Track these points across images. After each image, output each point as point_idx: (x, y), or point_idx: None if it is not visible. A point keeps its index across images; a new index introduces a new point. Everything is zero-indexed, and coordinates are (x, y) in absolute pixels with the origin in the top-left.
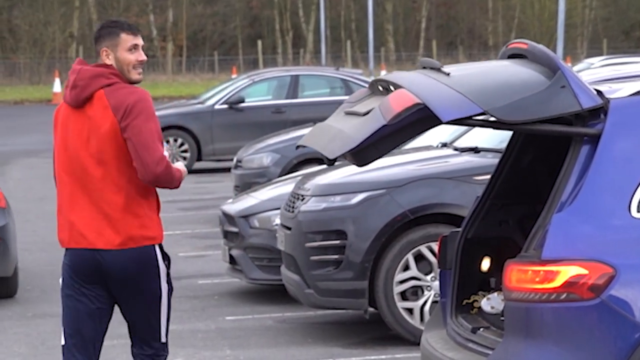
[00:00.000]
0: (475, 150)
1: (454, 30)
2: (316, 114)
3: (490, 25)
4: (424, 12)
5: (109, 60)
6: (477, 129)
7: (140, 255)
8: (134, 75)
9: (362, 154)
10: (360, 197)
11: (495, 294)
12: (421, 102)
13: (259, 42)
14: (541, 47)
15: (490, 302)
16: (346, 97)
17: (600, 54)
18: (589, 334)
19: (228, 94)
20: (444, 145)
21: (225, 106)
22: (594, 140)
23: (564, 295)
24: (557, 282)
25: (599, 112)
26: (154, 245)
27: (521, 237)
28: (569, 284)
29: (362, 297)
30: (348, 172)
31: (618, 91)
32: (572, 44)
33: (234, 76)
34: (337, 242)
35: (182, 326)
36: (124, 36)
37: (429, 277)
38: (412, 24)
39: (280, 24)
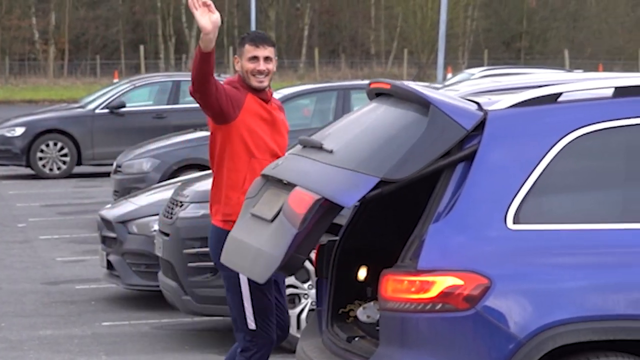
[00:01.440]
0: None
1: (336, 38)
2: (197, 120)
3: (372, 34)
4: (306, 19)
5: (238, 67)
6: None
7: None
8: (254, 82)
9: (289, 264)
10: None
11: (372, 303)
12: (320, 196)
13: (142, 47)
14: (404, 85)
15: (366, 312)
16: None
17: (482, 65)
18: (464, 344)
19: (109, 98)
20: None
21: (106, 111)
22: (452, 139)
23: (439, 306)
24: (433, 293)
25: (478, 125)
26: None
27: (399, 247)
28: (444, 295)
29: None
30: None
31: (496, 103)
32: (454, 54)
33: (115, 81)
34: None
35: (58, 331)
36: (247, 47)
37: (306, 285)
38: (295, 32)
39: (163, 29)
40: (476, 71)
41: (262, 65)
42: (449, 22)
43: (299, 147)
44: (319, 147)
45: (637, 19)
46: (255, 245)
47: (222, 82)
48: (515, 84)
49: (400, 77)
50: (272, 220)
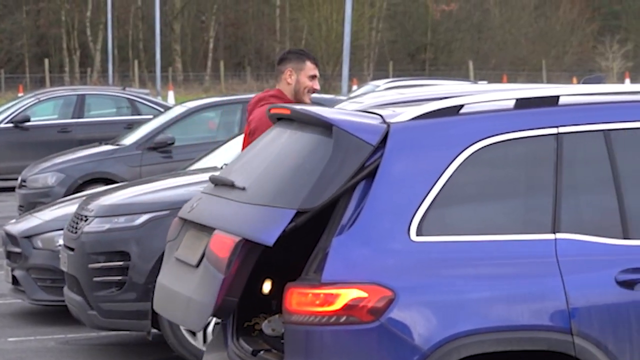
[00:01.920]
0: None
1: (242, 51)
2: (102, 134)
3: (278, 46)
4: (212, 32)
5: (290, 80)
6: None
7: None
8: (306, 99)
9: (222, 308)
10: (144, 218)
11: (277, 316)
12: (240, 238)
13: (46, 61)
14: (304, 109)
15: (271, 325)
16: (133, 117)
17: (387, 76)
18: (369, 357)
19: (13, 112)
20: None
21: (10, 125)
22: (361, 157)
23: (343, 318)
24: (337, 305)
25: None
26: None
27: (302, 260)
28: (348, 307)
29: (145, 319)
30: (132, 193)
31: (399, 115)
32: (359, 65)
33: (20, 95)
34: (121, 263)
35: None
36: (309, 64)
37: None
38: (200, 44)
39: (68, 42)
40: (381, 83)
41: (317, 84)
42: (354, 34)
43: (211, 185)
44: (231, 185)
45: (541, 30)
46: (184, 294)
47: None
48: (418, 95)
49: None
50: (197, 265)
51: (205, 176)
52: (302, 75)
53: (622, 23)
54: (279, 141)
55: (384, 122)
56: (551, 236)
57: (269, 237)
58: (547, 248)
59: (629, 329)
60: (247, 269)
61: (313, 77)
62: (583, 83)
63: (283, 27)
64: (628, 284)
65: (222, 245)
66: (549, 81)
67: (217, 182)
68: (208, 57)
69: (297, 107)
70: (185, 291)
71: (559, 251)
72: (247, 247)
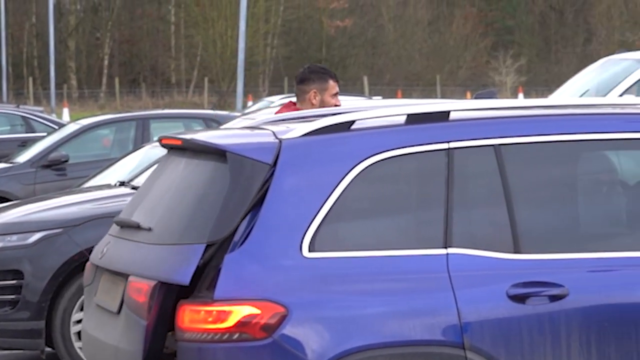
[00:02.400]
0: None
1: (137, 68)
2: None
3: (173, 62)
4: (106, 49)
5: (315, 101)
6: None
7: None
8: None
9: (151, 351)
10: (37, 236)
11: (170, 334)
12: (155, 281)
13: None
14: (195, 138)
15: (166, 342)
16: (27, 135)
17: (282, 92)
18: None
19: None
20: (122, 183)
21: None
22: (259, 177)
23: (236, 335)
24: (230, 322)
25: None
26: None
27: (195, 278)
28: (241, 324)
29: (39, 337)
30: (25, 211)
31: (290, 132)
32: (254, 81)
33: None
34: (14, 282)
35: None
36: (331, 83)
37: None
38: (95, 61)
39: None
40: (276, 99)
41: (339, 101)
42: (249, 50)
43: (116, 227)
44: (137, 227)
45: (435, 46)
46: (111, 343)
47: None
48: (312, 111)
49: (201, 106)
50: (119, 312)
51: (98, 194)
52: (326, 95)
53: (515, 38)
54: (176, 173)
55: (276, 138)
56: (443, 251)
57: (184, 277)
58: (438, 263)
59: (521, 342)
60: (167, 310)
61: (335, 94)
62: (475, 98)
63: (178, 43)
64: (519, 298)
65: (139, 291)
66: (444, 96)
67: (122, 224)
68: (103, 74)
69: (188, 136)
70: (111, 340)
71: (451, 266)
72: (164, 289)
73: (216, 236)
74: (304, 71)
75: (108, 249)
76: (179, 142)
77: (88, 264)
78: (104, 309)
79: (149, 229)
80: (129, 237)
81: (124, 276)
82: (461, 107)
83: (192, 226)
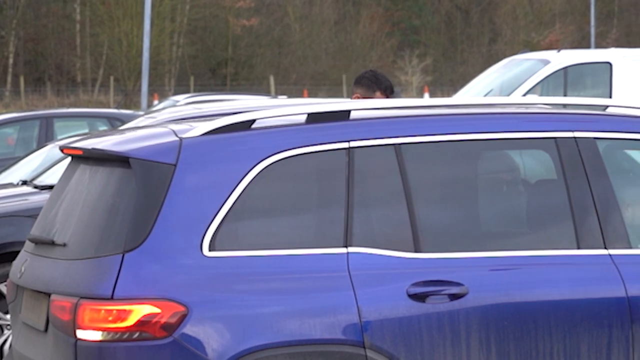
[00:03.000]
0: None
1: (42, 66)
2: None
3: (78, 61)
4: (11, 48)
5: None
6: (58, 166)
7: None
8: None
9: None
10: None
11: None
12: (77, 298)
13: None
14: (96, 147)
15: None
16: None
17: (188, 91)
18: None
19: None
20: (25, 182)
21: None
22: (165, 178)
23: (136, 334)
24: (130, 321)
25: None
26: None
27: None
28: (141, 323)
29: None
30: None
31: (191, 130)
32: (160, 80)
33: None
34: None
35: None
36: (378, 94)
37: (8, 316)
38: (0, 60)
39: None
40: (181, 98)
41: None
42: (155, 49)
43: (31, 245)
44: (52, 243)
45: (341, 45)
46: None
47: None
48: (215, 110)
49: (107, 105)
50: (46, 330)
51: (1, 192)
52: None
53: (421, 38)
54: (83, 184)
55: (177, 137)
56: (343, 250)
57: (106, 290)
58: (339, 262)
59: (421, 341)
60: None
61: None
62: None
63: (84, 42)
64: (419, 297)
65: (63, 309)
66: (350, 95)
67: (36, 241)
68: (8, 73)
69: (88, 145)
70: (42, 359)
71: (351, 265)
72: (87, 304)
73: (133, 244)
74: (364, 73)
75: (26, 268)
76: (80, 152)
77: (9, 281)
78: (31, 327)
79: (64, 245)
80: (45, 254)
81: (46, 294)
82: (362, 107)
83: (107, 237)
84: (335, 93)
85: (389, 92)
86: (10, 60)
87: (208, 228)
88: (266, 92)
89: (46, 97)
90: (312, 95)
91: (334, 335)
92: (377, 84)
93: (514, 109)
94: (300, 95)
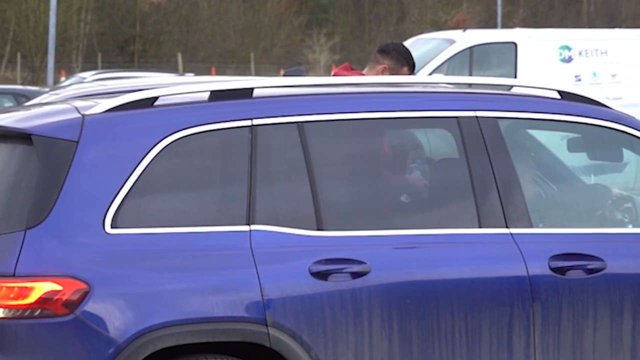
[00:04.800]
0: None
1: None
2: None
3: None
4: None
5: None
6: None
7: None
8: None
9: None
10: None
11: None
12: None
13: None
14: None
15: None
16: None
17: (96, 68)
18: (64, 351)
19: None
20: None
21: None
22: (67, 155)
23: (38, 312)
24: (32, 299)
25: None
26: None
27: None
28: (43, 300)
29: None
30: None
31: (94, 107)
32: (68, 57)
33: None
34: None
35: None
36: (404, 70)
37: None
38: None
39: None
40: (88, 75)
41: None
42: (62, 25)
43: None
44: None
45: (249, 23)
46: None
47: None
48: (119, 87)
49: (14, 81)
50: None
51: None
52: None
53: (330, 16)
54: None
55: (79, 114)
56: (246, 228)
57: (7, 267)
58: (241, 240)
59: (323, 319)
60: None
61: None
62: (285, 75)
63: None
64: (322, 275)
65: None
66: (258, 73)
67: None
68: None
69: None
70: None
71: (254, 243)
72: None
73: (34, 221)
74: (390, 44)
75: None
76: None
77: None
78: None
79: None
80: None
81: None
82: (265, 85)
83: (9, 214)
84: (244, 71)
85: (412, 70)
86: None
87: (110, 205)
88: (174, 70)
89: None
90: (220, 73)
91: (236, 313)
92: (407, 59)
93: (417, 88)
94: (208, 73)
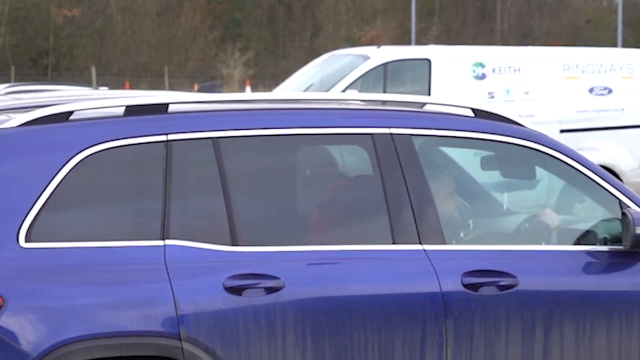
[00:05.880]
0: None
1: None
2: None
3: None
4: None
5: None
6: None
7: None
8: None
9: None
10: None
11: None
12: None
13: None
14: None
15: None
16: None
17: (9, 81)
18: None
19: None
20: None
21: None
22: None
23: None
24: None
25: None
26: None
27: None
28: None
29: None
30: None
31: (8, 121)
32: None
33: None
34: None
35: None
36: None
37: None
38: None
39: None
40: (1, 87)
41: None
42: None
43: None
44: None
45: (163, 37)
46: None
47: None
48: (34, 101)
49: None
50: None
51: None
52: None
53: (244, 31)
54: None
55: None
56: (160, 242)
57: None
58: (156, 254)
59: (237, 334)
60: None
61: None
62: (199, 91)
63: None
64: (236, 290)
65: None
66: (172, 88)
67: None
68: None
69: None
70: None
71: (168, 258)
72: None
73: None
74: None
75: None
76: None
77: None
78: None
79: None
80: None
81: None
82: (180, 100)
83: None
84: (157, 85)
85: None
86: None
87: (25, 219)
88: (88, 83)
89: None
90: (133, 86)
91: (150, 328)
92: None
93: (332, 104)
94: (122, 87)
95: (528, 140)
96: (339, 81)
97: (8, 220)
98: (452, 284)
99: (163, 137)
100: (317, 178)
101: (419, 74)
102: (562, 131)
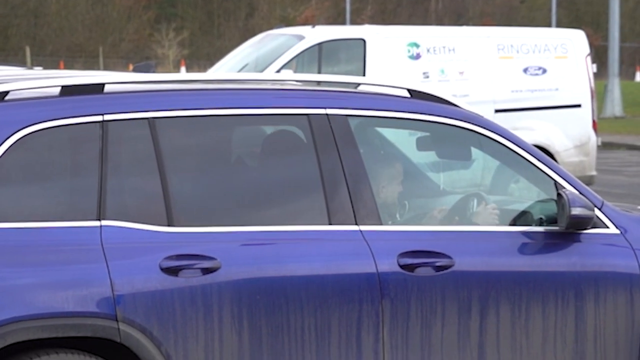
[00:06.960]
0: None
1: None
2: None
3: None
4: None
5: None
6: None
7: None
8: None
9: None
10: None
11: None
12: None
13: None
14: None
15: None
16: None
17: None
18: None
19: None
20: None
21: None
22: None
23: None
24: None
25: None
26: None
27: None
28: None
29: None
30: None
31: None
32: None
33: None
34: None
35: None
36: None
37: None
38: None
39: None
40: None
41: None
42: None
43: None
44: None
45: (97, 17)
46: None
47: None
48: None
49: None
50: None
51: None
52: None
53: (178, 11)
54: None
55: None
56: (96, 223)
57: None
58: (92, 235)
59: (174, 315)
60: None
61: None
62: (134, 71)
63: None
64: (172, 271)
65: None
66: (106, 68)
67: None
68: None
69: None
70: None
71: (104, 238)
72: None
73: None
74: None
75: None
76: None
77: None
78: None
79: None
80: None
81: None
82: (116, 80)
83: None
84: (92, 65)
85: None
86: None
87: None
88: (22, 63)
89: None
90: (68, 67)
91: (86, 308)
92: None
93: (267, 85)
94: (57, 67)
95: (463, 121)
96: (273, 61)
97: None
98: (389, 265)
99: (99, 117)
100: (252, 158)
101: (354, 54)
102: (496, 111)
